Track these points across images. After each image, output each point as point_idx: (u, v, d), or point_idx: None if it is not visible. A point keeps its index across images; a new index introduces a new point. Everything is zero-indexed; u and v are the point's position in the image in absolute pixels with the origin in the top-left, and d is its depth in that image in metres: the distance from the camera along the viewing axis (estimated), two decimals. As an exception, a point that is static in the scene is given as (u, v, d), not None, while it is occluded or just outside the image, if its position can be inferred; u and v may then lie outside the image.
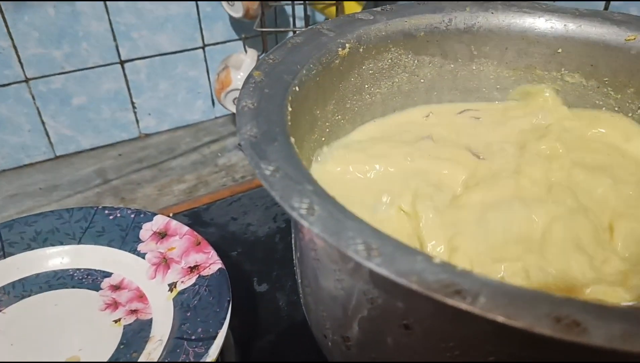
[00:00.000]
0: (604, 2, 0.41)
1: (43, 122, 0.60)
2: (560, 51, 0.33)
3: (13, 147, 0.60)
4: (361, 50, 0.33)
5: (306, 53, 0.30)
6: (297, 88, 0.28)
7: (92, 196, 0.58)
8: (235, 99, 0.61)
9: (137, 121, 0.66)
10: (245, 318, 0.39)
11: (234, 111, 0.63)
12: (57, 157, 0.63)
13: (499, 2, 0.34)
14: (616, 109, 0.34)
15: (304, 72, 0.29)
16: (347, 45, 0.32)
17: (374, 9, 0.34)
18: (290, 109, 0.26)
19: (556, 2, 0.44)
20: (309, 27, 0.33)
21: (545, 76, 0.35)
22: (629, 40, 0.32)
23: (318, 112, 0.32)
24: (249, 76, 0.27)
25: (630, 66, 0.32)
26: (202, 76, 0.67)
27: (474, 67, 0.36)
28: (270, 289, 0.41)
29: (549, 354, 0.18)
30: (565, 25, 0.32)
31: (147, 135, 0.68)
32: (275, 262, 0.43)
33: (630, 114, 0.34)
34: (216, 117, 0.71)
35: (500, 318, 0.15)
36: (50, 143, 0.62)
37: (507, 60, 0.35)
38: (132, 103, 0.65)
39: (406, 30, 0.34)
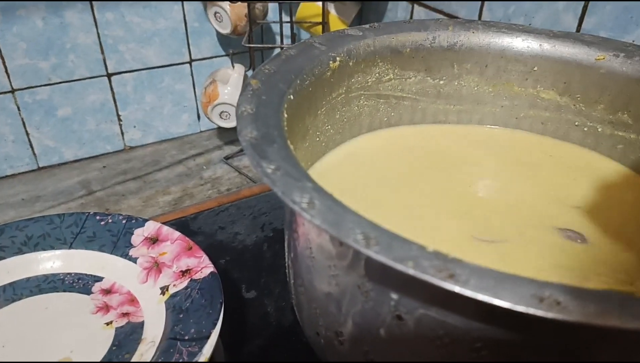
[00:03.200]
0: (575, 25, 0.44)
1: (27, 133, 0.60)
2: (536, 68, 0.36)
3: (-5, 157, 0.60)
4: (351, 63, 0.35)
5: (299, 64, 0.32)
6: (291, 97, 0.29)
7: (76, 208, 0.58)
8: (222, 113, 0.63)
9: (122, 134, 0.67)
10: (234, 323, 0.39)
11: (220, 124, 0.64)
12: (40, 168, 0.63)
13: (480, 22, 0.36)
14: (588, 123, 0.36)
15: (298, 82, 0.31)
16: (337, 58, 0.34)
17: (363, 25, 0.36)
18: (286, 115, 0.27)
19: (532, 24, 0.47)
20: (301, 42, 0.34)
21: (522, 92, 0.37)
22: (598, 59, 0.34)
23: (309, 120, 0.33)
24: (247, 84, 0.28)
25: (600, 83, 0.34)
26: (188, 89, 0.68)
27: (455, 83, 0.38)
28: (258, 295, 0.42)
29: (532, 339, 0.19)
30: (540, 45, 0.35)
31: (132, 147, 0.68)
32: (263, 269, 0.44)
33: (599, 129, 0.36)
34: (201, 131, 0.72)
35: (487, 298, 0.16)
36: (34, 153, 0.62)
37: (487, 77, 0.37)
38: (118, 115, 0.65)
39: (393, 46, 0.36)
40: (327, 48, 0.34)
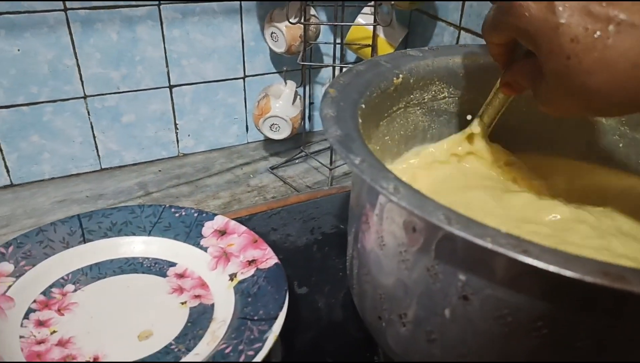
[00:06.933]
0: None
1: (94, 136, 0.65)
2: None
3: (63, 157, 0.65)
4: (411, 81, 0.38)
5: (368, 78, 0.35)
6: (363, 105, 0.33)
7: (134, 206, 0.62)
8: (272, 125, 0.67)
9: (178, 141, 0.71)
10: (287, 315, 0.42)
11: (270, 136, 0.68)
12: (102, 169, 0.68)
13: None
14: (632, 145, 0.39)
15: (368, 93, 0.34)
16: (400, 75, 0.37)
17: (423, 47, 0.40)
18: (360, 121, 0.31)
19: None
20: (369, 59, 0.38)
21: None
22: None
23: (373, 130, 0.37)
24: (326, 92, 0.32)
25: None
26: (239, 103, 0.73)
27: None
28: (309, 292, 0.44)
29: (592, 318, 0.22)
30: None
31: (185, 154, 0.73)
32: (313, 269, 0.47)
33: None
34: (248, 142, 0.76)
35: (558, 270, 0.19)
36: (98, 155, 0.67)
37: (530, 95, 0.40)
38: (175, 124, 0.70)
39: (449, 67, 0.40)
40: (392, 66, 0.37)
